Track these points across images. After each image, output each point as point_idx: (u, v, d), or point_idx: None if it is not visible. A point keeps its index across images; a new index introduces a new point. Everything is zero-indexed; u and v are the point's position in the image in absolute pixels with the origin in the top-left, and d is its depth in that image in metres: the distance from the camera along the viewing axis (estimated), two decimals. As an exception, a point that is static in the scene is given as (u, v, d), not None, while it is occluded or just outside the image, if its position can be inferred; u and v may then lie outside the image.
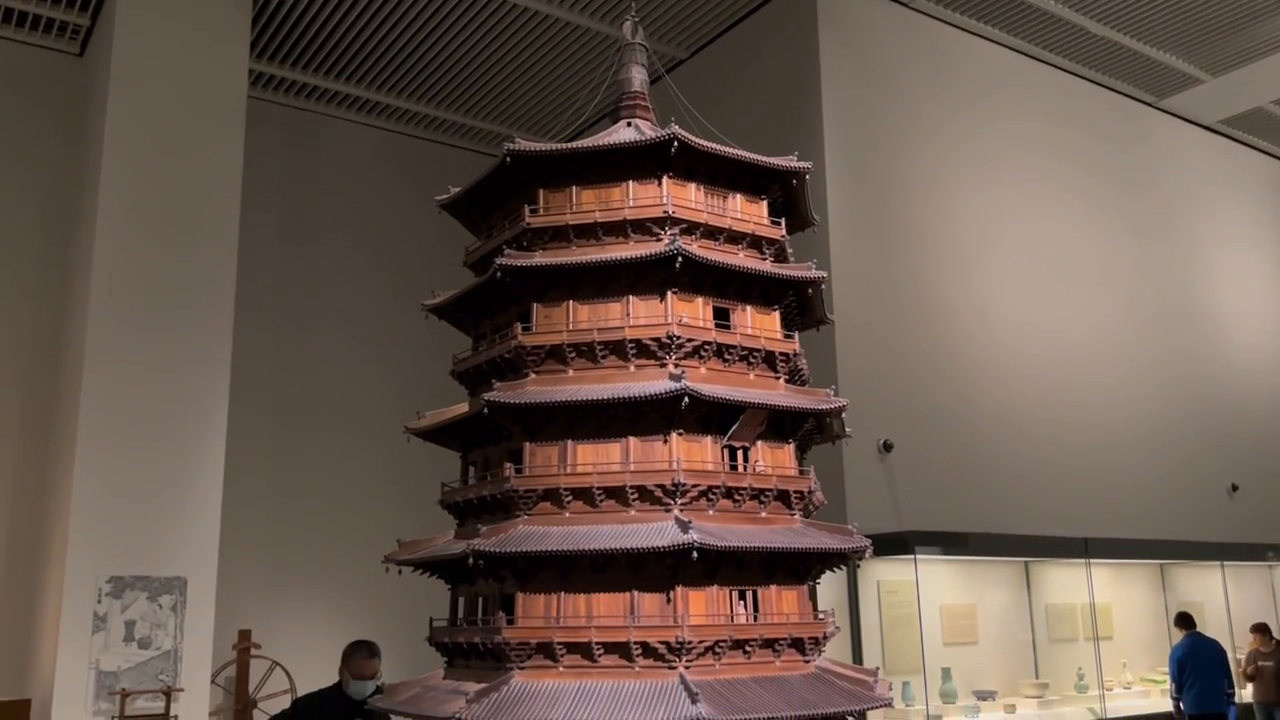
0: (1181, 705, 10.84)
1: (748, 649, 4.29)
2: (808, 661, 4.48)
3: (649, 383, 4.41)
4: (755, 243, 5.00)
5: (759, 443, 4.65)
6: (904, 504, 10.08)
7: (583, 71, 12.81)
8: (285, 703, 10.03)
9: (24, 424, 10.82)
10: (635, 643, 4.11)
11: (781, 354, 4.86)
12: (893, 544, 9.23)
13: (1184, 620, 11.32)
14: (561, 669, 4.15)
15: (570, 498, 4.40)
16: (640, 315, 4.60)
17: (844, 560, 4.79)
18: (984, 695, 10.10)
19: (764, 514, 4.57)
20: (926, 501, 10.23)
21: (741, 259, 4.87)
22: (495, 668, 4.28)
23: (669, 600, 4.19)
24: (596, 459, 4.44)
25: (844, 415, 4.94)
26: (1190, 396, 13.50)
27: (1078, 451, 11.81)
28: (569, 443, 4.47)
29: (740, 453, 4.60)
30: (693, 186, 4.87)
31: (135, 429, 9.08)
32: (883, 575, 9.79)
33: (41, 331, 10.99)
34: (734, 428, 4.51)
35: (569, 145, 4.85)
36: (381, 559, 4.96)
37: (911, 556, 9.43)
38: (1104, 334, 12.72)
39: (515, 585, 4.30)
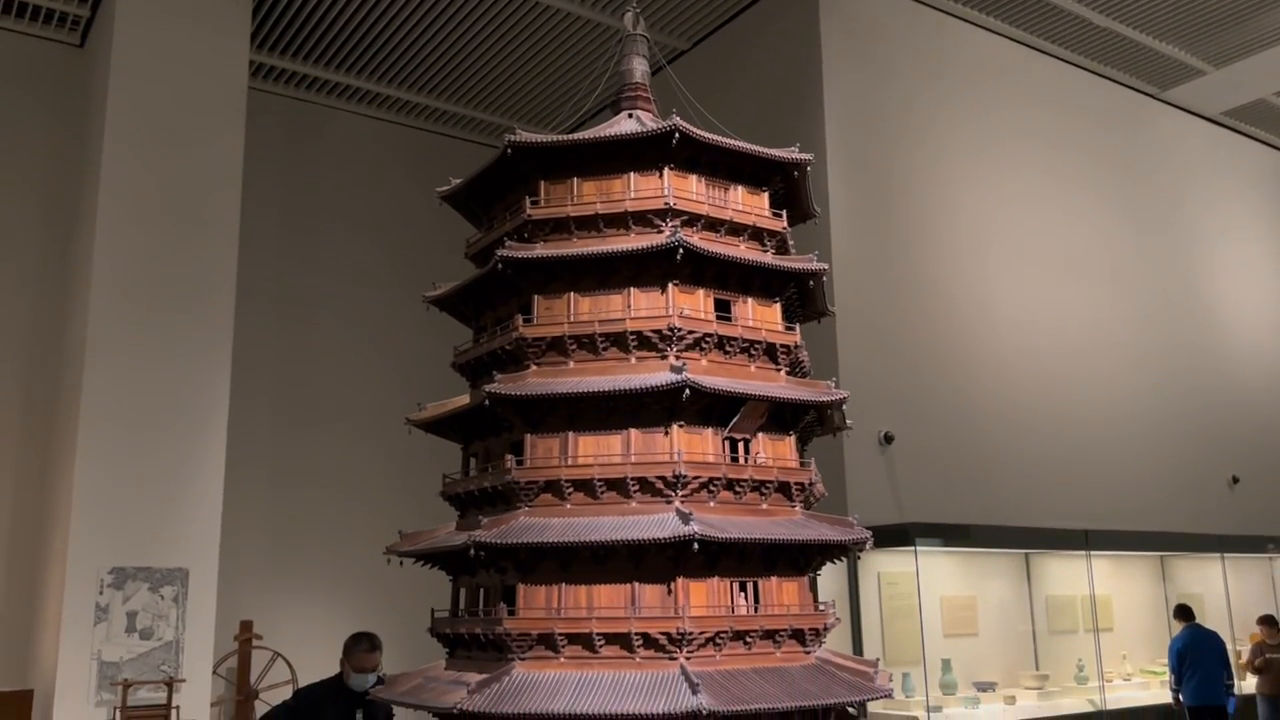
0: (1180, 697, 10.86)
1: (748, 640, 4.30)
2: (808, 653, 4.49)
3: (650, 375, 4.42)
4: (756, 234, 5.00)
5: (760, 435, 4.66)
6: (904, 496, 10.10)
7: (584, 63, 12.79)
8: (287, 693, 10.04)
9: (26, 416, 10.83)
10: (636, 634, 4.12)
11: (783, 346, 4.86)
12: (893, 536, 9.24)
13: (1183, 612, 11.34)
14: (563, 660, 4.16)
15: (571, 489, 4.41)
16: (641, 307, 4.60)
17: (844, 552, 4.80)
18: (984, 686, 10.12)
19: (765, 506, 4.58)
20: (927, 493, 10.24)
21: (743, 251, 4.87)
22: (497, 658, 4.29)
23: (670, 591, 4.20)
24: (597, 451, 4.44)
25: (845, 407, 4.94)
26: (1191, 388, 13.50)
27: (1078, 443, 11.82)
28: (570, 434, 4.47)
29: (741, 444, 4.60)
30: (694, 178, 4.87)
31: (137, 420, 9.09)
32: (883, 567, 9.81)
33: (43, 323, 10.99)
34: (735, 420, 4.52)
35: (570, 137, 4.84)
36: (383, 550, 4.96)
37: (912, 548, 9.44)
38: (1105, 326, 12.71)
39: (516, 576, 4.31)
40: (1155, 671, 11.72)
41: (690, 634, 4.11)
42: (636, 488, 4.36)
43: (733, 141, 4.90)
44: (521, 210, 4.84)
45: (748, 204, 5.01)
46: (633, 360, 4.55)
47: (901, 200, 11.04)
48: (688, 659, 4.09)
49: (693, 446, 4.44)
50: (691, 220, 4.77)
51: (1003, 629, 10.99)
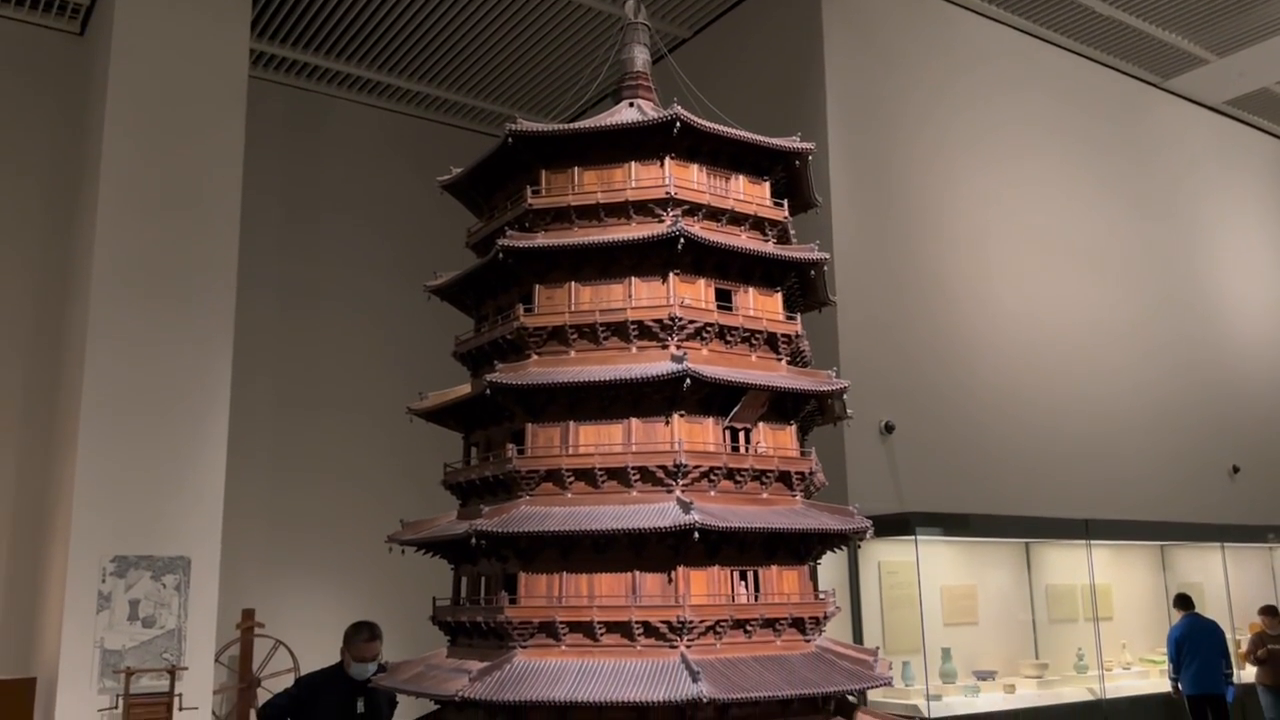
0: (1180, 685, 10.89)
1: (749, 629, 4.31)
2: (808, 641, 4.50)
3: (651, 364, 4.42)
4: (758, 224, 4.99)
5: (761, 424, 4.66)
6: (905, 485, 10.11)
7: (585, 51, 12.75)
8: (288, 681, 10.08)
9: (27, 405, 10.84)
10: (637, 622, 4.14)
11: (783, 335, 4.86)
12: (894, 525, 9.25)
13: (1183, 601, 11.36)
14: (564, 648, 4.17)
15: (572, 478, 4.41)
16: (642, 297, 4.60)
17: (845, 541, 4.81)
18: (984, 675, 10.15)
19: (765, 495, 4.59)
20: (927, 483, 10.25)
21: (744, 240, 4.86)
22: (498, 646, 4.31)
23: (670, 580, 4.21)
24: (598, 440, 4.45)
25: (845, 397, 4.95)
26: (1192, 378, 13.49)
27: (1079, 432, 11.83)
28: (571, 424, 4.48)
29: (742, 434, 4.61)
30: (695, 167, 4.86)
31: (138, 409, 9.09)
32: (883, 556, 9.83)
33: (44, 311, 10.99)
34: (736, 409, 4.52)
35: (571, 126, 4.84)
36: (385, 539, 4.98)
37: (912, 537, 9.46)
38: (1107, 315, 12.70)
39: (518, 565, 4.32)
40: (1155, 660, 11.75)
41: (691, 622, 4.12)
42: (637, 477, 4.36)
43: (734, 130, 4.89)
44: (522, 199, 4.83)
45: (749, 193, 5.01)
46: (634, 350, 4.55)
47: (903, 189, 11.02)
48: (688, 647, 4.10)
49: (693, 436, 4.44)
50: (693, 210, 4.77)
51: (1003, 618, 11.01)
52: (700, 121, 4.76)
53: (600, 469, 4.38)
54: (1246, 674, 11.71)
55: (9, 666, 9.99)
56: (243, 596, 11.47)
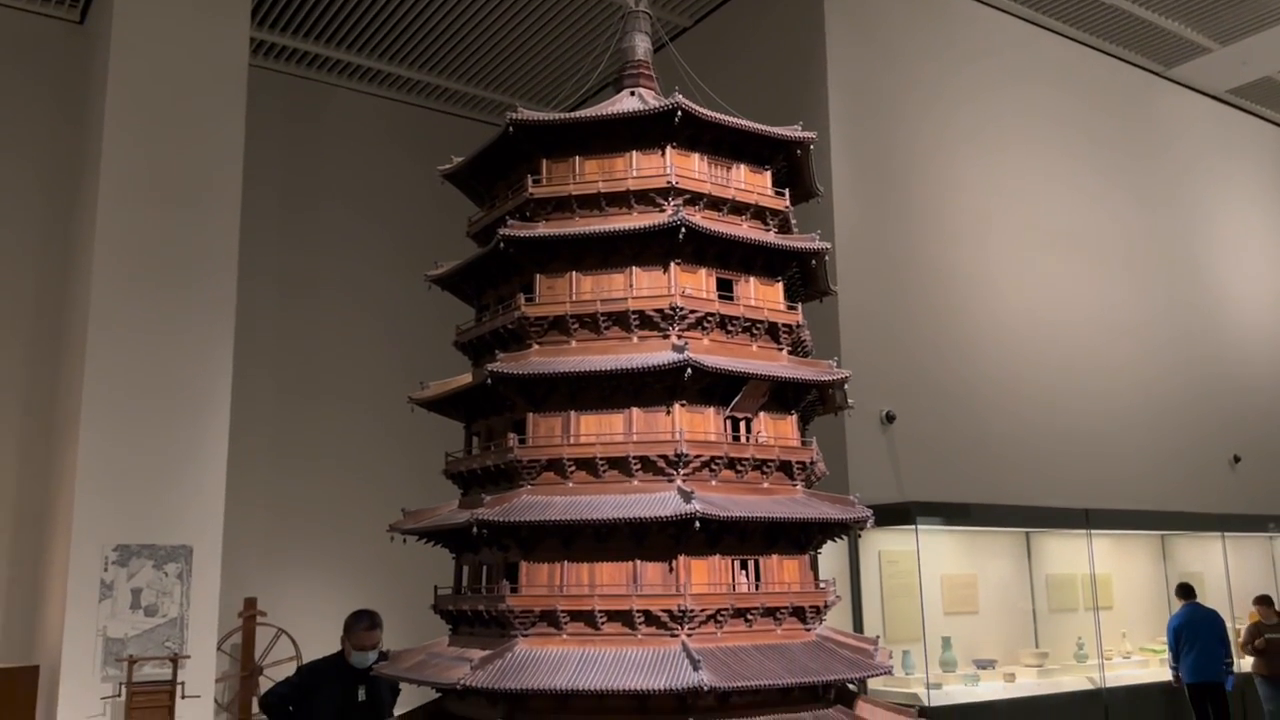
0: (1180, 674, 10.91)
1: (749, 617, 4.32)
2: (809, 630, 4.51)
3: (652, 354, 4.42)
4: (759, 213, 4.98)
5: (761, 414, 4.66)
6: (905, 475, 10.12)
7: (586, 40, 12.72)
8: (290, 670, 10.12)
9: (29, 395, 10.85)
10: (638, 611, 4.14)
11: (784, 325, 4.86)
12: (894, 514, 9.27)
13: (1184, 590, 11.37)
14: (565, 636, 4.18)
15: (573, 468, 4.42)
16: (643, 286, 4.60)
17: (845, 530, 4.81)
18: (984, 664, 10.18)
19: (766, 484, 4.59)
20: (928, 472, 10.26)
21: (745, 230, 4.85)
22: (499, 635, 4.32)
23: (671, 569, 4.22)
24: (599, 429, 4.45)
25: (846, 386, 4.94)
26: (1193, 368, 13.49)
27: (1079, 422, 11.83)
28: (572, 413, 4.48)
29: (743, 423, 4.61)
30: (696, 157, 4.85)
31: (140, 399, 9.11)
32: (884, 545, 9.84)
33: (45, 301, 11.00)
34: (737, 399, 4.52)
35: (572, 115, 4.82)
36: (387, 528, 4.99)
37: (913, 527, 9.47)
38: (1108, 304, 12.69)
39: (519, 554, 4.33)
40: (1155, 649, 11.77)
41: (691, 611, 4.13)
42: (638, 466, 4.37)
43: (735, 120, 4.87)
44: (523, 189, 4.82)
45: (750, 183, 5.00)
46: (635, 339, 4.55)
47: (904, 178, 11.00)
48: (689, 636, 4.11)
49: (694, 425, 4.45)
50: (694, 199, 4.76)
51: (1003, 607, 11.03)
52: (702, 110, 4.75)
53: (601, 458, 4.39)
54: (1246, 663, 11.74)
55: (12, 655, 10.03)
56: (244, 585, 11.50)
